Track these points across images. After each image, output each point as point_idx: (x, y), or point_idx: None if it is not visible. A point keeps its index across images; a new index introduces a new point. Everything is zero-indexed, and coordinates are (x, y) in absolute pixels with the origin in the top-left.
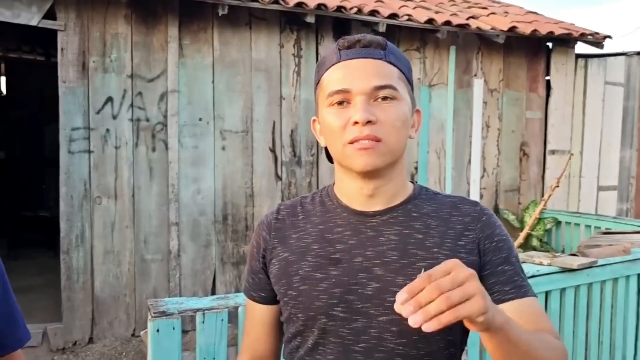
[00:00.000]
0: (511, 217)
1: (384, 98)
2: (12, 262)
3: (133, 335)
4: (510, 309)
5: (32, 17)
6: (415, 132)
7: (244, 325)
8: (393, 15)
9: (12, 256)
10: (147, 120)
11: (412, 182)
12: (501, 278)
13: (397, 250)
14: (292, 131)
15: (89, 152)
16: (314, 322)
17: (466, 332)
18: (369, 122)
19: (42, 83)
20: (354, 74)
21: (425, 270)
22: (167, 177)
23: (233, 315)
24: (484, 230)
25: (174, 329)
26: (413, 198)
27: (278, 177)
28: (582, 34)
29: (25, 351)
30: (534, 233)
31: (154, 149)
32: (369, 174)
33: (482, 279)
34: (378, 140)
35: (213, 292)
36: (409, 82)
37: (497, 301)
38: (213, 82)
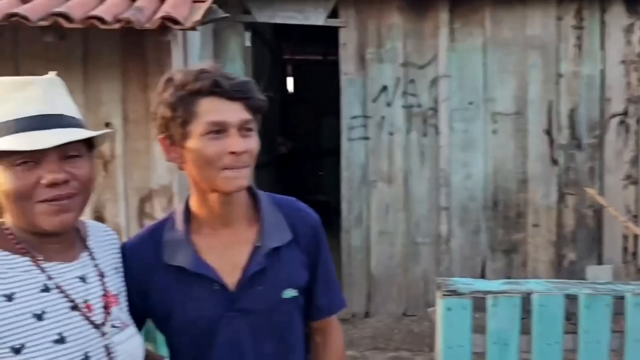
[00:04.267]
0: None
1: None
2: None
3: (404, 314)
4: None
5: (319, 18)
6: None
7: None
8: None
9: None
10: (419, 106)
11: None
12: None
13: None
14: (571, 111)
15: (366, 139)
16: None
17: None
18: None
19: (321, 80)
20: None
21: None
22: (437, 162)
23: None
24: None
25: (464, 308)
26: None
27: (554, 162)
28: None
29: None
30: None
31: (425, 134)
32: None
33: None
34: None
35: None
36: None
37: None
38: (484, 64)
